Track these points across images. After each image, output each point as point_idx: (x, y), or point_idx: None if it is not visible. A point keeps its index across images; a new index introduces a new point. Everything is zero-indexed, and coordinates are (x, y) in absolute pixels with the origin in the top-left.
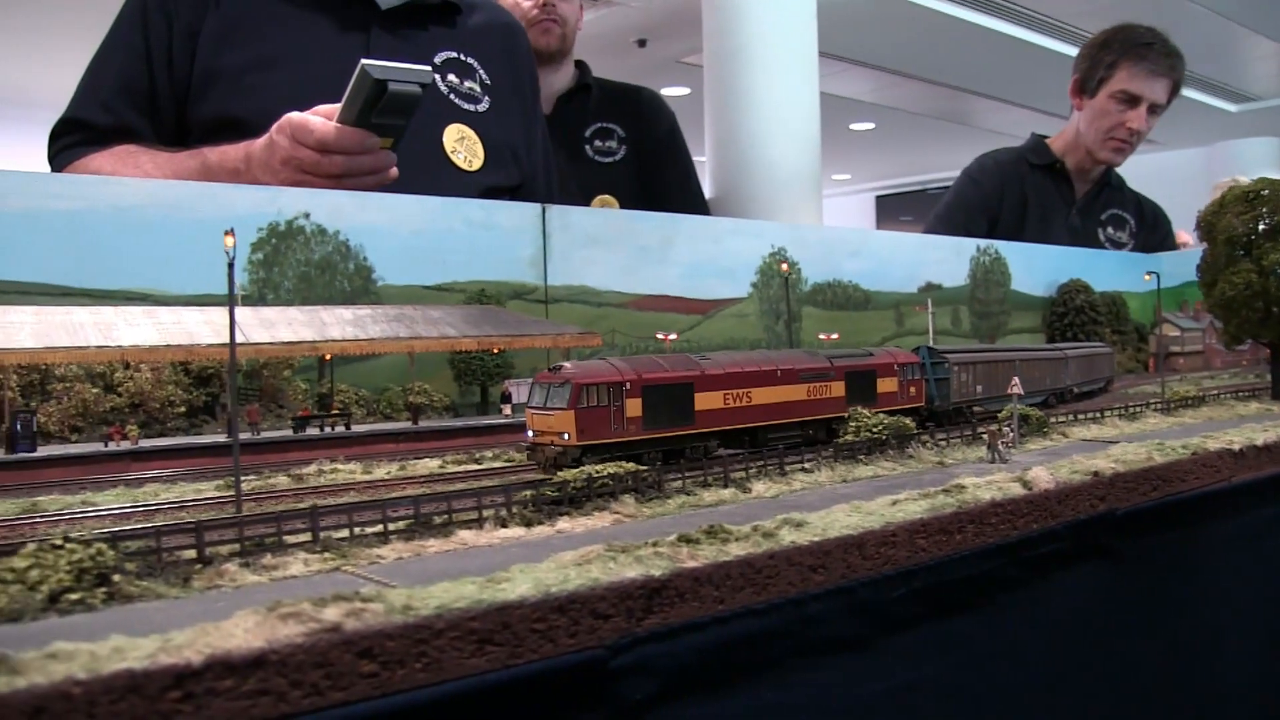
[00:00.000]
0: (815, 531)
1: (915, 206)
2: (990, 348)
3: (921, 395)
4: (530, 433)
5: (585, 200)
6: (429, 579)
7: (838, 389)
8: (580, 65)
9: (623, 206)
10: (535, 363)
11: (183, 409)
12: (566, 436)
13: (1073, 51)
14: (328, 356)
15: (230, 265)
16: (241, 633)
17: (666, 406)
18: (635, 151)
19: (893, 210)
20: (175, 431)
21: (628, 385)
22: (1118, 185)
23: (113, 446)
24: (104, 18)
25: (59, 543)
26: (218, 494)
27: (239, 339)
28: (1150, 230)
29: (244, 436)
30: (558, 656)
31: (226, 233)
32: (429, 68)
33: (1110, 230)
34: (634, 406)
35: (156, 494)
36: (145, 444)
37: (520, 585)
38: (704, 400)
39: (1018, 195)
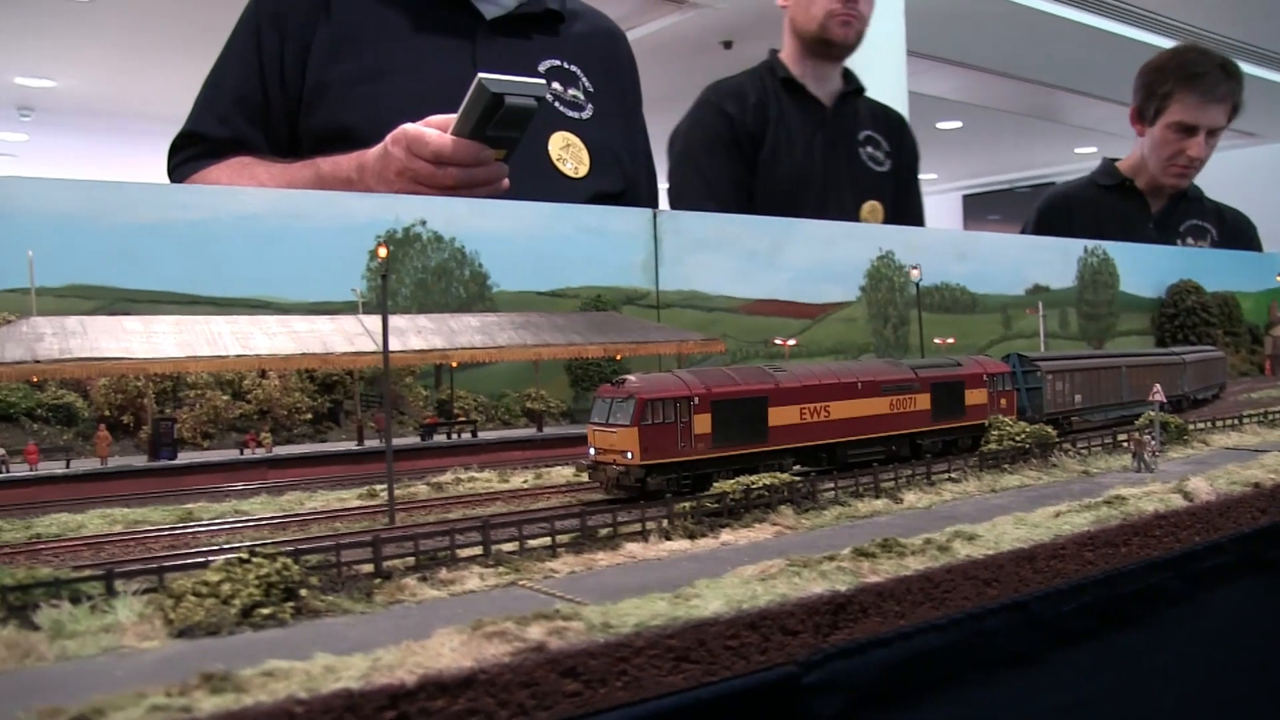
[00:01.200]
0: (988, 545)
1: (1003, 205)
2: (1092, 354)
3: (1013, 407)
4: (592, 450)
5: (855, 202)
6: (612, 594)
7: (922, 402)
8: (846, 69)
9: (885, 216)
10: (651, 368)
11: (309, 416)
12: (630, 455)
13: (1166, 43)
14: (455, 364)
15: (384, 277)
16: (449, 652)
17: (738, 422)
18: (896, 168)
19: (980, 209)
20: (301, 438)
21: (696, 400)
22: (1195, 196)
23: (248, 454)
24: (216, 34)
25: (246, 556)
26: (362, 503)
27: (370, 347)
28: (1233, 237)
29: (371, 444)
30: (751, 673)
31: (380, 244)
32: (544, 81)
33: (1190, 241)
34: (703, 423)
35: (301, 502)
36: (279, 451)
37: (712, 602)
38: (778, 415)
39: (1089, 219)
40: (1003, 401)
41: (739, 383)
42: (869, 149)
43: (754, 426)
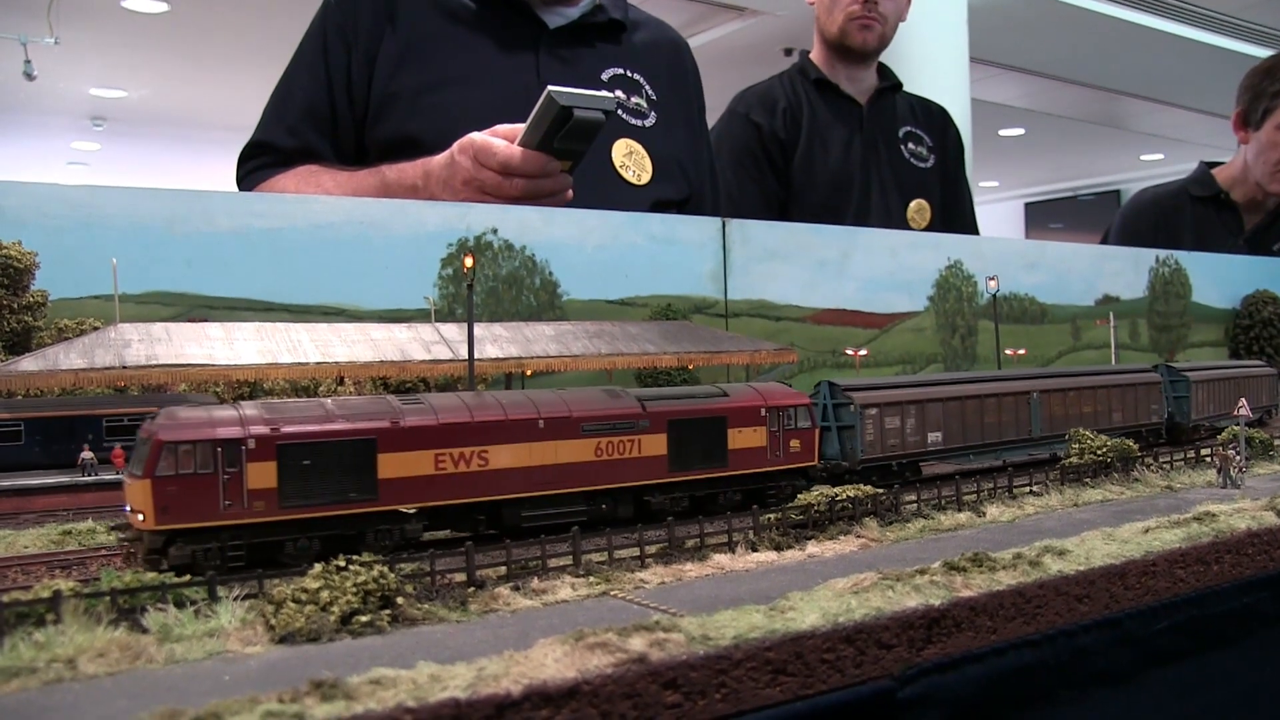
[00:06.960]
0: (1079, 560)
1: (1066, 214)
2: (972, 377)
3: (812, 451)
4: (127, 506)
5: (901, 202)
6: (706, 606)
7: (653, 445)
8: (881, 65)
9: (932, 215)
10: (721, 378)
11: None
12: (142, 518)
13: (1240, 47)
14: (528, 372)
15: (469, 288)
16: (552, 663)
17: (326, 474)
18: (940, 163)
19: (1042, 217)
20: None
21: (251, 443)
22: None
23: None
24: (284, 44)
25: (343, 564)
26: None
27: (446, 355)
28: None
29: None
30: (847, 687)
31: (466, 253)
32: (612, 95)
33: None
34: (263, 474)
35: None
36: None
37: (807, 615)
38: (396, 464)
39: (1175, 230)
40: (794, 443)
41: (329, 419)
42: (910, 145)
43: (355, 479)
